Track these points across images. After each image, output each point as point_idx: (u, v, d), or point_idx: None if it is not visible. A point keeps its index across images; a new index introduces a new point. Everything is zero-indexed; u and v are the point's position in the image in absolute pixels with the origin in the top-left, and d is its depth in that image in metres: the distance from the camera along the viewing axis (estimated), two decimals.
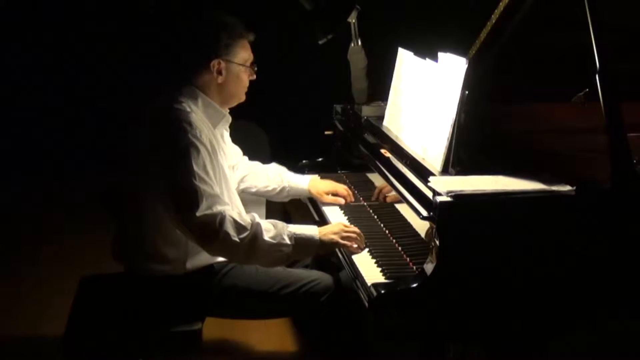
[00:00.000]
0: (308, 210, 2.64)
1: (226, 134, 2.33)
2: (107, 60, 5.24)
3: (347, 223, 2.24)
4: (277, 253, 2.02)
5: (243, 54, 2.16)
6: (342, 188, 2.56)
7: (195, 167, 1.97)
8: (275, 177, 2.59)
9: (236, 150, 2.53)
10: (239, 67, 2.16)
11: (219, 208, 1.97)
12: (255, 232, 1.98)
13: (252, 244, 1.98)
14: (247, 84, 2.22)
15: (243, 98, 2.25)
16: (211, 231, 1.95)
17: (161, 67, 2.42)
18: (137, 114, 2.18)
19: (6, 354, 2.89)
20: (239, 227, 1.97)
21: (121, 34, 5.18)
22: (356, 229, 2.12)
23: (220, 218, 1.96)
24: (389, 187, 2.30)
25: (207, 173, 2.00)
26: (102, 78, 5.25)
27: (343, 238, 2.07)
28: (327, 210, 2.47)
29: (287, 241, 2.01)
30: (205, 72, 2.12)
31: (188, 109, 2.06)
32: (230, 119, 2.25)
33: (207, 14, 2.19)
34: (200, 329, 2.07)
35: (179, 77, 2.16)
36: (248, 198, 2.59)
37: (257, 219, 2.03)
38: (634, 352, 2.58)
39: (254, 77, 2.23)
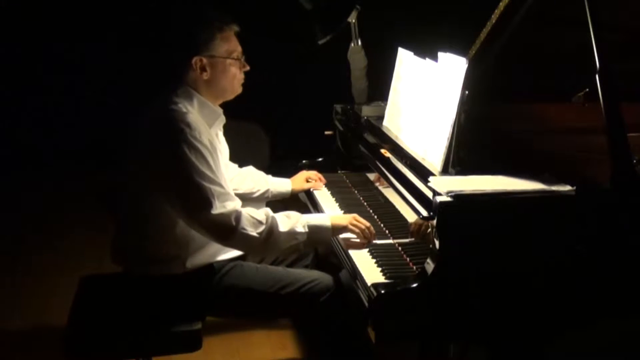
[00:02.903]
0: (308, 211, 2.64)
1: (220, 133, 2.31)
2: (108, 59, 5.24)
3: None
4: (293, 241, 2.07)
5: (226, 47, 2.12)
6: (311, 174, 2.71)
7: (201, 167, 1.98)
8: (259, 180, 2.62)
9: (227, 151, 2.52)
10: (224, 60, 2.12)
11: (232, 205, 2.00)
12: (271, 225, 2.03)
13: (268, 236, 2.02)
14: (239, 76, 2.18)
15: (238, 91, 2.21)
16: (228, 228, 1.98)
17: (154, 67, 2.44)
18: (136, 114, 2.17)
19: (6, 354, 2.89)
20: (255, 223, 2.01)
21: (121, 32, 5.18)
22: (367, 223, 2.15)
23: (236, 215, 1.98)
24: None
25: (212, 172, 2.00)
26: (103, 77, 5.25)
27: (352, 224, 2.12)
28: (327, 210, 2.47)
29: (302, 229, 2.07)
30: (190, 70, 2.10)
31: (184, 110, 2.04)
32: (224, 119, 2.24)
33: (182, 12, 2.17)
34: (200, 329, 2.07)
35: (169, 77, 2.14)
36: (249, 198, 2.60)
37: (271, 213, 2.06)
38: (634, 352, 2.58)
39: (247, 67, 2.20)
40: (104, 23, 5.21)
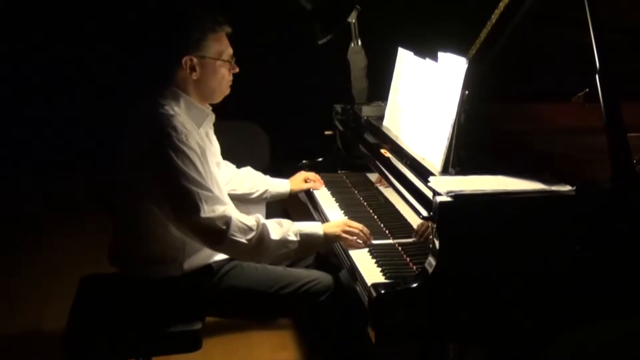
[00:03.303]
0: (308, 210, 2.64)
1: (210, 132, 2.29)
2: (107, 59, 5.23)
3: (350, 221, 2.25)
4: (284, 250, 2.06)
5: (217, 48, 2.11)
6: (310, 174, 2.71)
7: (188, 172, 1.96)
8: (258, 181, 2.62)
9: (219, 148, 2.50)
10: (214, 61, 2.11)
11: (221, 209, 1.99)
12: (262, 232, 2.02)
13: (259, 243, 2.01)
14: (228, 77, 2.17)
15: (226, 92, 2.20)
16: (218, 233, 1.97)
17: (143, 67, 2.43)
18: (124, 116, 2.14)
19: (6, 354, 2.89)
20: (245, 229, 2.00)
21: (120, 32, 5.18)
22: (359, 225, 2.14)
23: (226, 220, 1.97)
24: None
25: (200, 175, 1.99)
26: (102, 78, 5.25)
27: (345, 232, 2.11)
28: (327, 210, 2.47)
29: (293, 238, 2.06)
30: (179, 70, 2.09)
31: (171, 112, 2.03)
32: (214, 117, 2.23)
33: (175, 11, 2.14)
34: (200, 329, 2.07)
35: (158, 77, 2.12)
36: (248, 199, 2.60)
37: (262, 220, 2.05)
38: (634, 352, 2.58)
39: (237, 69, 2.18)
40: (102, 23, 5.21)
